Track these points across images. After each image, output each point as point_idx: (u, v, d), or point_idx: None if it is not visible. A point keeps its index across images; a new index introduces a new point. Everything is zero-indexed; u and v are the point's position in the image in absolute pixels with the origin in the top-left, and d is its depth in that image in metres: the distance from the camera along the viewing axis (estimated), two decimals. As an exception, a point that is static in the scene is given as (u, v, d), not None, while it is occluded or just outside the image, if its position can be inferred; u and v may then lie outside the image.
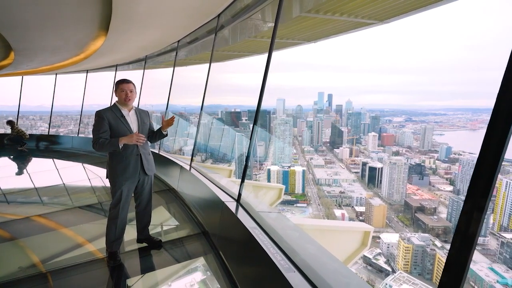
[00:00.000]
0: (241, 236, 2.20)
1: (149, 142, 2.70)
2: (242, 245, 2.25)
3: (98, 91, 11.36)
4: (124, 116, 2.47)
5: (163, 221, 3.78)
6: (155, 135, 2.69)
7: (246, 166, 2.84)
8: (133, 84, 2.54)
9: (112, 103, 2.55)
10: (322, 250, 1.85)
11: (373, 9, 3.72)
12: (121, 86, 2.46)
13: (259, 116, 2.88)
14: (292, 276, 1.48)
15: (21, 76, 11.13)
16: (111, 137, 2.40)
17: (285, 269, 1.53)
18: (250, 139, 2.89)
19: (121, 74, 9.61)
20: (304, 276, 1.51)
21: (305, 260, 1.65)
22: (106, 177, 2.53)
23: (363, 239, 3.48)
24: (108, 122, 2.38)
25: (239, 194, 2.77)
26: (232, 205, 2.66)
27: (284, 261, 1.63)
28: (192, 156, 4.64)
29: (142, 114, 2.59)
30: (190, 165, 4.47)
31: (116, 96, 2.49)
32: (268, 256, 1.68)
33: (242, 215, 2.41)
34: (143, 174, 2.57)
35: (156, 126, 2.78)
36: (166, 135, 2.66)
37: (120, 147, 2.36)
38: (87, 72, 10.65)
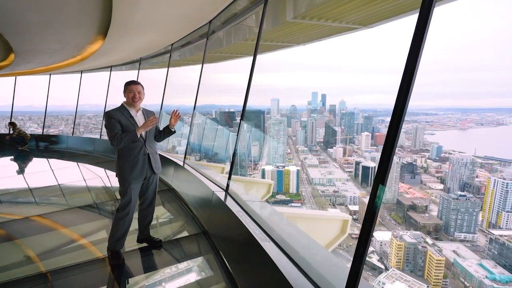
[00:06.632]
0: (228, 218, 2.53)
1: (156, 142, 2.76)
2: (228, 226, 2.58)
3: (91, 91, 11.51)
4: (133, 117, 2.55)
5: (163, 221, 3.88)
6: (163, 133, 2.73)
7: (233, 159, 3.15)
8: (142, 85, 2.62)
9: (120, 104, 2.61)
10: (296, 228, 2.18)
11: (356, 15, 4.00)
12: (130, 87, 2.54)
13: (245, 113, 3.19)
14: (266, 244, 1.82)
15: (14, 77, 11.22)
16: None
17: (261, 239, 1.86)
18: (237, 134, 3.20)
19: (116, 75, 9.81)
20: (277, 245, 1.84)
21: (280, 234, 1.97)
22: (116, 176, 2.57)
23: (342, 227, 3.82)
24: (118, 122, 2.45)
25: (227, 185, 3.08)
26: (221, 194, 2.97)
27: (261, 234, 1.97)
28: (185, 154, 4.93)
29: (149, 115, 2.66)
30: (184, 162, 4.76)
31: (125, 96, 2.57)
32: (248, 231, 2.01)
33: (229, 202, 2.73)
34: (151, 172, 2.64)
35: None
36: (175, 131, 2.71)
37: (139, 135, 2.47)
38: (81, 73, 10.80)
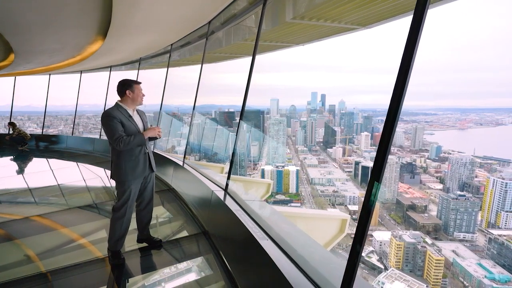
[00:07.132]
0: (227, 218, 2.55)
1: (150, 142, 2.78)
2: (228, 225, 2.60)
3: (90, 92, 11.52)
4: (131, 116, 2.54)
5: (162, 221, 3.87)
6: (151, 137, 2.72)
7: (233, 159, 3.17)
8: None
9: (115, 103, 2.55)
10: (295, 228, 2.20)
11: (355, 16, 4.01)
12: (139, 87, 2.56)
13: (245, 113, 3.20)
14: (265, 242, 1.85)
15: (14, 77, 11.22)
16: None
17: (260, 238, 1.89)
18: (237, 134, 3.22)
19: (116, 75, 9.82)
20: (276, 244, 1.87)
21: (279, 233, 1.99)
22: (111, 177, 2.52)
23: (341, 226, 3.84)
24: (120, 122, 2.42)
25: (227, 184, 3.10)
26: (220, 193, 2.99)
27: (260, 232, 1.99)
28: (185, 153, 4.95)
29: (141, 114, 2.68)
30: (183, 161, 4.78)
31: (130, 96, 2.51)
32: (248, 230, 2.03)
33: (228, 201, 2.75)
34: (150, 171, 2.64)
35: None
36: (157, 137, 2.70)
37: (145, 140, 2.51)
38: (81, 73, 10.81)
